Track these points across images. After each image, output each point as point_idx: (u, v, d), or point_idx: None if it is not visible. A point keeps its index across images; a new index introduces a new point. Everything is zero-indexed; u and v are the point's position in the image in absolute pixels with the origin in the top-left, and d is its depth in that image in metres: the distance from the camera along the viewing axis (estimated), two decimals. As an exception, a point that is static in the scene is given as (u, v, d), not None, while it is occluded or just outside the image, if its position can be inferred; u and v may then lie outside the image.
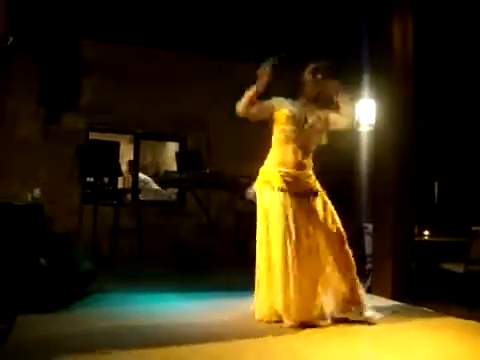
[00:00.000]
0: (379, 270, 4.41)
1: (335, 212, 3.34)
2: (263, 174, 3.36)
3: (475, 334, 3.09)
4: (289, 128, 3.30)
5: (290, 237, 3.13)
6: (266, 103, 3.38)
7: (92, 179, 6.04)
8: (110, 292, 4.10)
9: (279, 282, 3.13)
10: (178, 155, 6.52)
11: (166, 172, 6.78)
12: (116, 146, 6.84)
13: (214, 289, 4.29)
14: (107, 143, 6.86)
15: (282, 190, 3.21)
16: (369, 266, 4.85)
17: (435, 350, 2.75)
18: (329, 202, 3.36)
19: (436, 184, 6.57)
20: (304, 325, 3.06)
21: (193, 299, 3.92)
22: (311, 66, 3.37)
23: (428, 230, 5.50)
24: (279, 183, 3.24)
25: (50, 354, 2.50)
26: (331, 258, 3.28)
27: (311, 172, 3.38)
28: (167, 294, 4.07)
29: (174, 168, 6.44)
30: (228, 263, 5.83)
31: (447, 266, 4.67)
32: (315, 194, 3.31)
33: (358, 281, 3.34)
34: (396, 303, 4.00)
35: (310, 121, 3.32)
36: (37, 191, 6.16)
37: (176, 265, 5.59)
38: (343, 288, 3.28)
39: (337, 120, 3.41)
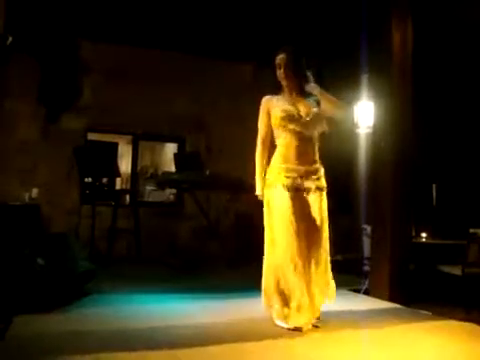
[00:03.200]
0: (377, 272, 4.41)
1: (327, 217, 3.28)
2: (268, 173, 3.31)
3: (473, 336, 3.09)
4: (287, 125, 3.26)
5: (293, 234, 3.10)
6: (263, 116, 3.35)
7: (90, 179, 6.03)
8: (107, 292, 4.09)
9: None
10: (176, 156, 6.51)
11: (164, 173, 6.76)
12: (115, 147, 6.83)
13: (212, 291, 4.27)
14: (106, 144, 6.84)
15: (282, 187, 3.18)
16: (367, 268, 4.85)
17: (433, 352, 2.75)
18: (326, 204, 3.29)
19: (434, 186, 6.57)
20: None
21: (191, 301, 3.91)
22: (276, 62, 3.33)
23: (426, 232, 5.49)
24: (280, 179, 3.21)
25: (47, 354, 2.49)
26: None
27: (318, 166, 3.31)
28: (165, 295, 4.05)
29: (173, 169, 6.42)
30: (227, 265, 5.81)
31: (445, 268, 4.66)
32: (317, 190, 3.25)
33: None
34: (394, 305, 3.99)
35: (304, 113, 3.27)
36: (35, 191, 6.17)
37: (174, 266, 5.57)
38: None
39: (327, 108, 3.33)
